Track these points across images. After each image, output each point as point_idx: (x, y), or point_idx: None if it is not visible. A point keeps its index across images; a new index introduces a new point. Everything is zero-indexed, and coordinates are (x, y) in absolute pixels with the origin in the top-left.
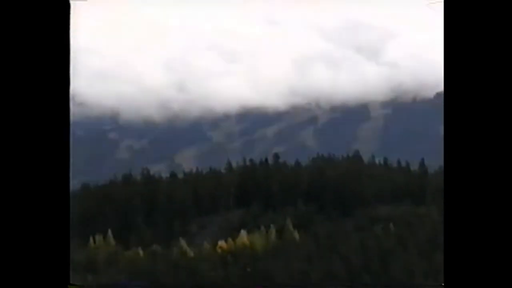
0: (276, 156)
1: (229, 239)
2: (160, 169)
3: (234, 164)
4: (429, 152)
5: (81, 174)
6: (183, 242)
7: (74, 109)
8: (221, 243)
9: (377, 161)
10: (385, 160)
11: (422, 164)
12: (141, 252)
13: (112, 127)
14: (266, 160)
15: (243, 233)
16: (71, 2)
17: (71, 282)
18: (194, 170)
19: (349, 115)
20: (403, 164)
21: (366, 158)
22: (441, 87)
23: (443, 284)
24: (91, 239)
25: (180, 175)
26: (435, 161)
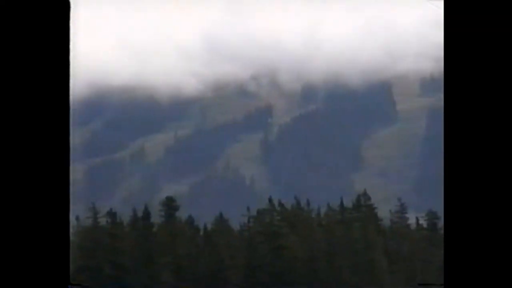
0: (170, 203)
1: None
2: None
3: (71, 222)
4: None
5: None
6: None
7: None
8: None
9: (420, 219)
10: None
11: None
12: None
13: None
14: (147, 212)
15: None
16: (71, 2)
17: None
18: None
19: (361, 107)
20: None
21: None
22: None
23: (443, 284)
24: None
25: None
26: None
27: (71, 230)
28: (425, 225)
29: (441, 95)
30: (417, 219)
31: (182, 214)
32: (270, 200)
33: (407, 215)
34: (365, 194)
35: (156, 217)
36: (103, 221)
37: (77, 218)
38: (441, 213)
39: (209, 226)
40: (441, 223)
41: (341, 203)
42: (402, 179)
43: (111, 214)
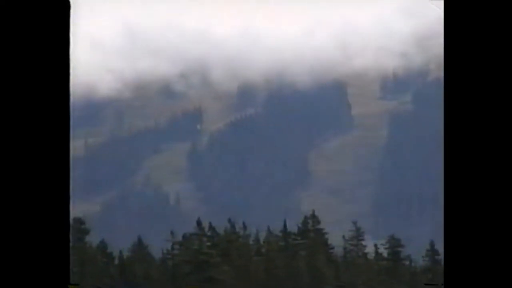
0: (79, 226)
1: None
2: None
3: None
4: None
5: None
6: None
7: None
8: None
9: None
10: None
11: None
12: None
13: None
14: None
15: None
16: (71, 2)
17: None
18: None
19: (310, 112)
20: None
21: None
22: None
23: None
24: None
25: None
26: None
27: None
28: (385, 254)
29: (405, 98)
30: (376, 247)
31: (93, 239)
32: (198, 222)
33: (363, 242)
34: (313, 216)
35: None
36: None
37: None
38: (404, 240)
39: (125, 254)
40: (404, 252)
41: (285, 226)
42: (358, 198)
43: None
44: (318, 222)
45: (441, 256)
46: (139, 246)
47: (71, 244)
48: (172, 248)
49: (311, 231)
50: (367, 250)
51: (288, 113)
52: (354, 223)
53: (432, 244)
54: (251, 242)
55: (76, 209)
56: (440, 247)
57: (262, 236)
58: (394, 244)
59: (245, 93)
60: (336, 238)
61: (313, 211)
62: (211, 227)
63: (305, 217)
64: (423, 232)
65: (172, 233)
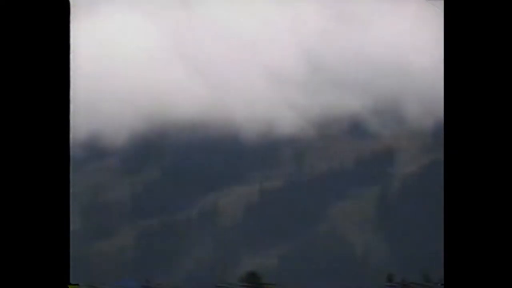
0: (254, 280)
1: None
2: None
3: None
4: None
5: None
6: None
7: None
8: None
9: None
10: None
11: None
12: None
13: None
14: None
15: None
16: (71, 2)
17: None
18: None
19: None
20: None
21: None
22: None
23: (443, 284)
24: None
25: None
26: None
27: None
28: None
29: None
30: None
31: None
32: (389, 277)
33: None
34: None
35: None
36: None
37: None
38: None
39: None
40: None
41: None
42: None
43: None
44: None
45: None
46: None
47: None
48: None
49: None
50: None
51: None
52: None
53: None
54: None
55: (251, 262)
56: None
57: None
58: None
59: (442, 131)
60: None
61: None
62: (405, 285)
63: None
64: None
65: None
